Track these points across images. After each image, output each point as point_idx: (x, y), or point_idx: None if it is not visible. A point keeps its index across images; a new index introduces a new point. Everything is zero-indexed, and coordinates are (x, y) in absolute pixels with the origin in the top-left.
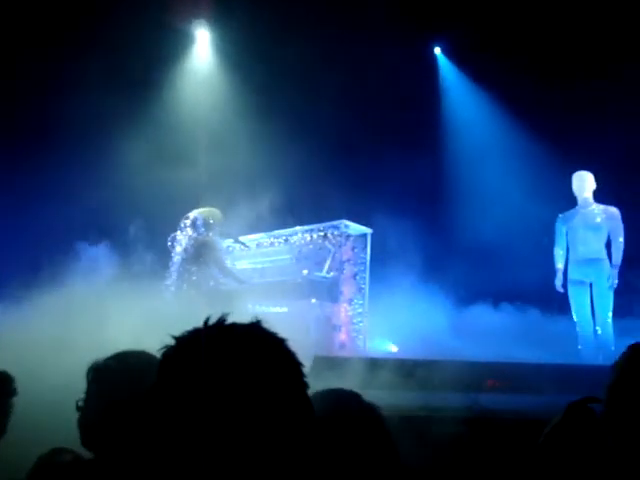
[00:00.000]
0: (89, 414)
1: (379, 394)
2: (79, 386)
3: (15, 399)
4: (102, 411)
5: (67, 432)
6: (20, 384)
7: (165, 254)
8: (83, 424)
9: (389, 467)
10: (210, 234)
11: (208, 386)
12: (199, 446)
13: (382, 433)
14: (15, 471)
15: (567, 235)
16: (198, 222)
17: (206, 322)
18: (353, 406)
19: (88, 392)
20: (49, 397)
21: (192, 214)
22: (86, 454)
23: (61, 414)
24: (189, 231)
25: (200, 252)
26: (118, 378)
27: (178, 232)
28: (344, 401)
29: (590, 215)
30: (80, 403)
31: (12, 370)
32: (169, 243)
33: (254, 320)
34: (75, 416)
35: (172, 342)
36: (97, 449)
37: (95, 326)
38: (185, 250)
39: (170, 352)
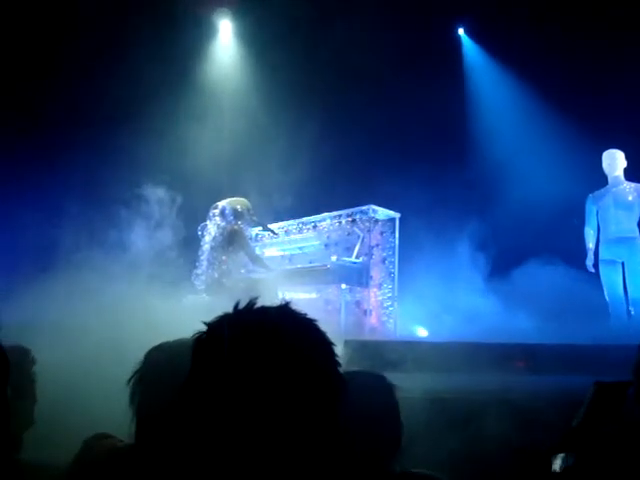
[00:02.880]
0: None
1: (409, 377)
2: (116, 370)
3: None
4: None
5: (107, 417)
6: (61, 370)
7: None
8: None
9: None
10: (239, 222)
11: (241, 369)
12: (234, 428)
13: (394, 416)
14: (61, 454)
15: (598, 215)
16: (227, 211)
17: (236, 307)
18: (371, 388)
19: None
20: (86, 382)
21: (221, 203)
22: (126, 439)
23: (98, 399)
24: (218, 220)
25: (229, 241)
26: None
27: (208, 221)
28: (363, 383)
29: (621, 194)
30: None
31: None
32: (199, 232)
33: (283, 303)
34: (113, 400)
35: (203, 329)
36: (147, 437)
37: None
38: (214, 239)
39: (202, 338)
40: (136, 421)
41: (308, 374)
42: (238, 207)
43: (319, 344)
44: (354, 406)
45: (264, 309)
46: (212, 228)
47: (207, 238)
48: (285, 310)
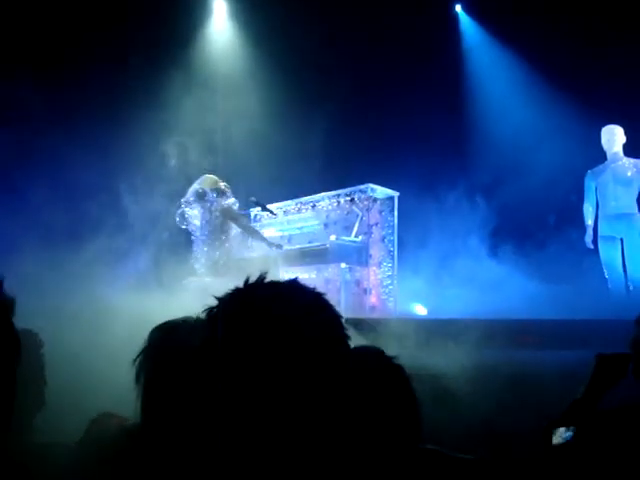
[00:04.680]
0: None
1: (411, 354)
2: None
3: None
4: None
5: (114, 397)
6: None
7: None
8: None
9: (411, 425)
10: (223, 200)
11: (254, 341)
12: (246, 404)
13: (407, 391)
14: (66, 435)
15: (597, 191)
16: (207, 193)
17: (246, 282)
18: (380, 364)
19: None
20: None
21: (192, 189)
22: (131, 418)
23: (105, 380)
24: (199, 204)
25: (224, 220)
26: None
27: (187, 209)
28: (371, 359)
29: (620, 169)
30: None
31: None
32: (177, 219)
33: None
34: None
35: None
36: (154, 416)
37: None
38: (208, 222)
39: (214, 312)
40: (142, 400)
41: (319, 344)
42: (216, 185)
43: (329, 315)
44: (365, 380)
45: (275, 283)
46: (197, 214)
47: (197, 223)
48: (295, 284)
